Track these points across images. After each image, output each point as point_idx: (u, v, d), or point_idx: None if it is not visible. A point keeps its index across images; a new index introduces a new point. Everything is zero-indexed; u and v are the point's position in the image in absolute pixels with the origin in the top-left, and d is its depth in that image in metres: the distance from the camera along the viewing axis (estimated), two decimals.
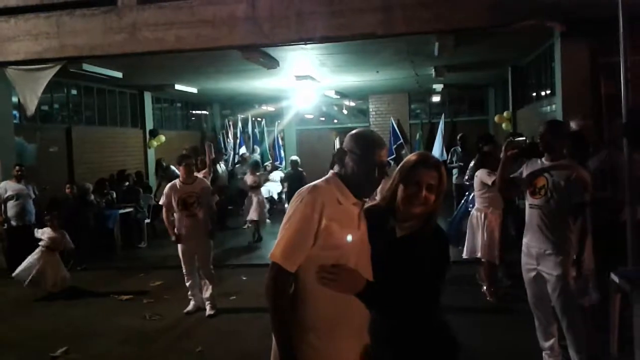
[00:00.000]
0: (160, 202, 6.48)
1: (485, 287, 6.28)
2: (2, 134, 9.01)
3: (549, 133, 4.03)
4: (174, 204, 6.16)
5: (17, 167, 8.61)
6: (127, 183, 11.26)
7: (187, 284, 6.33)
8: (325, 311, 2.13)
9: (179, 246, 6.22)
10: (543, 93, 10.57)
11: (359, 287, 2.07)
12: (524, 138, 4.96)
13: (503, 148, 4.30)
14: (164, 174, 12.14)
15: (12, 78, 8.56)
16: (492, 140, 6.74)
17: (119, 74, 10.70)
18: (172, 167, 11.65)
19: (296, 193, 2.21)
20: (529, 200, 4.08)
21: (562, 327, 3.95)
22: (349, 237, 2.14)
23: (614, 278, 4.00)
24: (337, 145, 16.79)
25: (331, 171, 2.32)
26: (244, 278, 7.79)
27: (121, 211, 10.16)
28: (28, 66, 8.59)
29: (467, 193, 7.05)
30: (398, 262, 2.22)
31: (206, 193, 6.31)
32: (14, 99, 9.81)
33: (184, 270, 6.31)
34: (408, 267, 2.21)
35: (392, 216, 2.33)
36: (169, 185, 6.35)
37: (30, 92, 8.48)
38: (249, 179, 10.28)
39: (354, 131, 2.33)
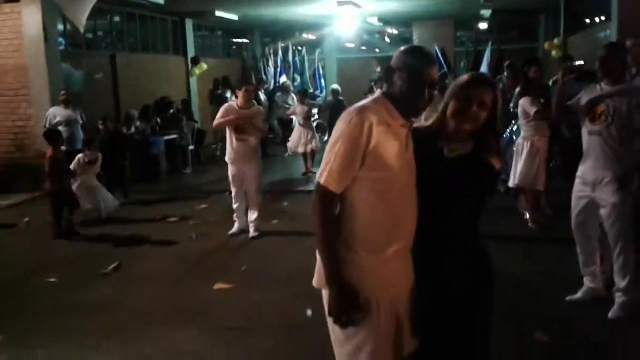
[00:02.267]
0: (214, 125, 6.53)
1: (527, 215, 6.25)
2: (50, 60, 9.15)
3: (609, 56, 3.86)
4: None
5: (62, 92, 8.71)
6: (171, 110, 11.42)
7: (234, 206, 6.51)
8: (371, 230, 2.13)
9: (229, 169, 6.37)
10: (597, 19, 10.05)
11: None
12: (582, 62, 4.77)
13: (560, 74, 4.15)
14: (220, 99, 12.07)
15: (58, 2, 8.61)
16: (537, 62, 6.50)
17: (161, 0, 10.64)
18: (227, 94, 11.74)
19: (343, 113, 2.16)
20: (588, 127, 3.95)
21: (613, 254, 3.91)
22: (397, 159, 2.13)
23: None
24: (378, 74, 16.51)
25: (379, 90, 2.27)
26: (285, 204, 7.94)
27: (165, 137, 10.38)
28: None
29: (512, 122, 6.90)
30: (444, 183, 2.21)
31: (260, 119, 6.39)
32: (60, 26, 9.92)
33: (232, 193, 6.47)
34: (453, 188, 2.20)
35: (440, 137, 2.30)
36: (225, 105, 6.42)
37: (78, 14, 8.53)
38: (298, 108, 10.19)
39: (402, 47, 2.24)
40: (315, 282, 2.24)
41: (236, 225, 6.54)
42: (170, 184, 9.92)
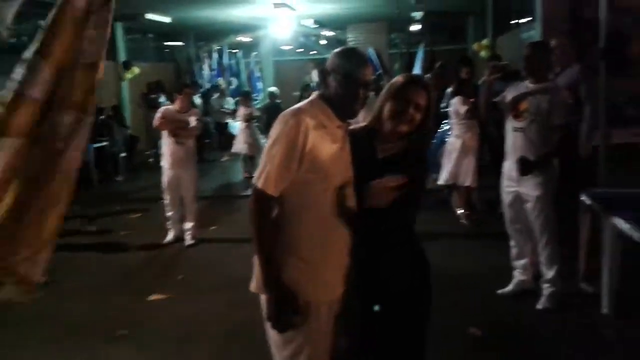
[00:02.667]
0: (154, 124, 6.27)
1: (460, 212, 6.41)
2: None
3: (534, 55, 4.01)
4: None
5: None
6: (101, 117, 11.05)
7: (168, 214, 6.35)
8: (310, 232, 2.14)
9: (166, 174, 6.20)
10: (522, 19, 10.45)
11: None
12: (507, 62, 4.93)
13: (486, 72, 4.28)
14: (152, 104, 11.79)
15: None
16: (469, 63, 6.70)
17: None
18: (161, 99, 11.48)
19: (280, 116, 2.16)
20: (512, 124, 4.09)
21: (539, 246, 4.06)
22: (334, 161, 2.14)
23: (585, 199, 4.12)
24: (314, 78, 16.54)
25: (315, 93, 2.27)
26: (223, 209, 7.84)
27: (95, 145, 10.02)
28: None
29: (444, 122, 7.06)
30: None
31: (197, 123, 6.26)
32: None
33: (166, 200, 6.30)
34: None
35: (375, 137, 2.32)
36: (163, 109, 6.22)
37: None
38: (241, 110, 10.04)
39: (337, 50, 2.25)
40: (253, 287, 2.23)
41: (171, 233, 6.37)
42: (101, 192, 9.60)
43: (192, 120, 6.14)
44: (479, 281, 4.70)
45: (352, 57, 2.19)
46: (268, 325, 2.18)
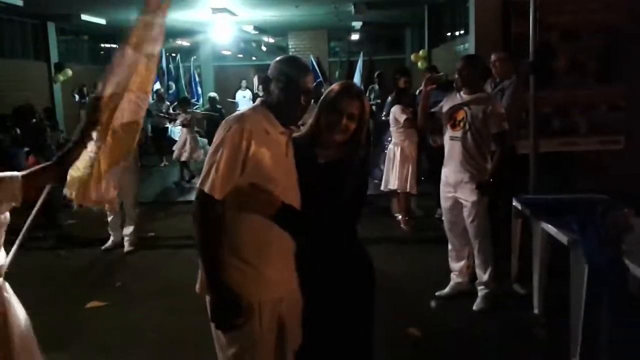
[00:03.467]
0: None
1: (399, 217, 6.58)
2: None
3: (466, 68, 4.19)
4: None
5: None
6: (33, 120, 10.59)
7: (109, 219, 6.19)
8: (251, 236, 2.16)
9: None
10: (457, 32, 10.85)
11: (275, 208, 2.13)
12: (442, 73, 5.14)
13: (423, 83, 4.45)
14: (86, 103, 11.45)
15: None
16: (407, 73, 6.91)
17: (19, 2, 9.90)
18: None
19: (223, 121, 2.19)
20: (449, 133, 4.26)
21: (474, 249, 4.24)
22: (277, 167, 2.18)
23: (516, 204, 4.33)
24: (256, 83, 16.48)
25: (258, 99, 2.31)
26: (162, 215, 7.71)
27: (27, 149, 9.60)
28: None
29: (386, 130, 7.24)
30: (318, 187, 2.28)
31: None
32: None
33: (105, 205, 6.11)
34: (326, 192, 2.28)
35: (314, 144, 2.38)
36: None
37: None
38: (180, 116, 9.82)
39: (278, 57, 2.31)
40: (198, 289, 2.25)
41: (111, 239, 6.22)
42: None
43: None
44: (418, 284, 4.85)
45: (293, 64, 2.25)
46: (213, 326, 2.21)
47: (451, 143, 4.26)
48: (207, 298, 2.20)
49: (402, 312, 4.24)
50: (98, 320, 4.40)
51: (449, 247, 4.49)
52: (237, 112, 2.25)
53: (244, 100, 14.81)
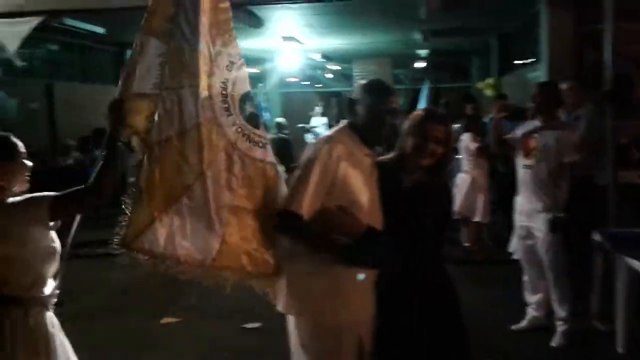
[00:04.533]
0: None
1: (469, 246, 6.46)
2: None
3: (542, 95, 4.13)
4: None
5: None
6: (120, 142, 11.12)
7: None
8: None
9: None
10: (528, 60, 10.67)
11: (360, 231, 2.15)
12: (514, 102, 5.09)
13: (495, 111, 4.41)
14: None
15: None
16: (474, 100, 6.86)
17: (101, 30, 10.49)
18: None
19: (312, 143, 2.27)
20: (522, 161, 4.19)
21: (549, 282, 4.11)
22: (363, 189, 2.21)
23: (597, 238, 4.18)
24: (319, 110, 16.63)
25: (343, 121, 2.36)
26: None
27: None
28: (8, 19, 8.37)
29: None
30: (403, 211, 2.30)
31: None
32: None
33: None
34: (411, 216, 2.29)
35: (400, 168, 2.40)
36: None
37: (11, 39, 8.28)
38: None
39: (362, 81, 2.38)
40: (283, 308, 2.28)
41: None
42: (113, 215, 9.57)
43: None
44: (492, 316, 4.71)
45: (377, 86, 2.33)
46: (295, 346, 2.24)
47: (524, 171, 4.18)
48: (291, 318, 2.26)
49: (475, 345, 4.09)
50: (172, 335, 4.52)
51: (525, 278, 4.36)
52: (325, 134, 2.31)
53: (322, 126, 14.83)
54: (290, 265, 2.28)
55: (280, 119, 11.65)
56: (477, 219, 6.19)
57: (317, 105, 15.69)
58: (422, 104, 14.09)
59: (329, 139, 2.24)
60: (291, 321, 2.28)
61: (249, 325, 4.48)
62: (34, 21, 8.37)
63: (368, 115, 2.26)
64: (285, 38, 11.81)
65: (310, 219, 2.15)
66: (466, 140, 6.21)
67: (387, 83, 2.43)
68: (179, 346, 4.32)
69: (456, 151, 6.57)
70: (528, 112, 4.67)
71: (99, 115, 10.72)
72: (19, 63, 8.74)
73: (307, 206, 2.13)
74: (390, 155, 2.51)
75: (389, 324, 2.31)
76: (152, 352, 4.22)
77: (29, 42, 8.61)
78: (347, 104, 2.35)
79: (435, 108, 2.64)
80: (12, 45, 8.44)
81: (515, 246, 4.40)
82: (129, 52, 10.66)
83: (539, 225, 4.06)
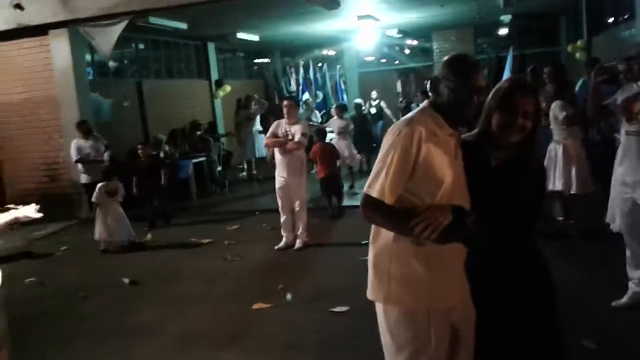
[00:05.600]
0: (267, 136, 6.73)
1: (564, 221, 6.15)
2: (79, 91, 9.34)
3: None
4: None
5: (79, 123, 8.73)
6: (198, 132, 11.58)
7: (281, 220, 6.70)
8: (423, 240, 2.11)
9: (276, 182, 6.59)
10: (621, 17, 9.94)
11: (449, 214, 2.07)
12: (615, 62, 4.68)
13: (592, 74, 4.12)
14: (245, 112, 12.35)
15: (85, 32, 8.87)
16: (560, 65, 6.52)
17: (184, 25, 10.87)
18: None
19: (392, 126, 2.21)
20: (625, 127, 3.91)
21: None
22: (447, 170, 2.14)
23: None
24: (399, 88, 16.36)
25: (426, 100, 2.28)
26: (316, 220, 7.93)
27: (194, 160, 10.50)
28: (98, 22, 8.86)
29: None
30: (493, 192, 2.20)
31: (305, 134, 6.56)
32: (88, 57, 10.16)
33: (279, 207, 6.64)
34: (502, 197, 2.19)
35: (486, 145, 2.29)
36: (275, 122, 6.70)
37: (105, 40, 8.79)
38: (336, 122, 9.99)
39: (447, 57, 2.25)
40: (370, 294, 2.26)
41: (283, 240, 6.69)
42: (200, 206, 10.01)
43: (298, 134, 6.38)
44: (589, 292, 4.48)
45: (463, 63, 2.18)
46: (383, 330, 2.22)
47: (628, 138, 3.89)
48: (378, 305, 2.23)
49: (574, 322, 3.91)
50: (264, 320, 4.65)
51: (627, 253, 4.09)
52: (406, 116, 2.24)
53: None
54: (375, 250, 2.25)
55: (358, 100, 11.60)
56: (573, 191, 5.85)
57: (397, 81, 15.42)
58: (506, 73, 13.55)
59: (409, 121, 2.16)
60: (379, 308, 2.26)
61: (337, 309, 4.52)
62: (121, 24, 8.84)
63: (453, 94, 2.15)
64: (361, 17, 11.69)
65: (394, 202, 2.10)
66: (555, 109, 5.86)
67: (473, 58, 2.27)
68: (270, 331, 4.44)
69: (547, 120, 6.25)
70: (621, 74, 4.33)
71: (186, 109, 11.34)
72: (112, 64, 9.28)
73: (389, 191, 2.09)
74: (474, 132, 2.38)
75: (481, 305, 2.24)
76: (244, 338, 4.35)
77: (117, 43, 9.08)
78: (431, 82, 2.26)
79: (522, 77, 2.46)
80: (107, 50, 8.95)
81: (614, 219, 4.13)
82: (210, 45, 11.22)
83: None
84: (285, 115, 6.55)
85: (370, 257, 2.27)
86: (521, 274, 2.26)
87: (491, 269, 2.25)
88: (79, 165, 8.69)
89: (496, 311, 2.25)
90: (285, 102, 6.70)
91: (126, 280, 5.90)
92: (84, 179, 8.69)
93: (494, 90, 2.30)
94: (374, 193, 2.11)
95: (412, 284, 2.16)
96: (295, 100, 7.17)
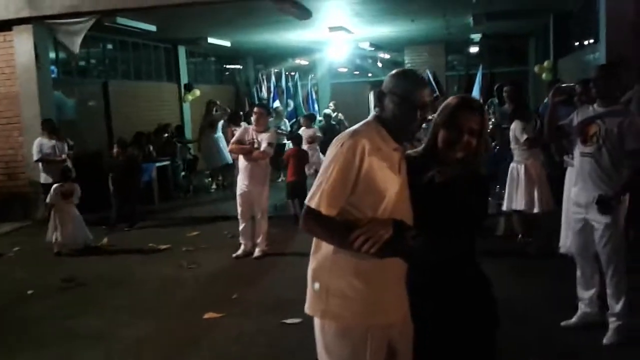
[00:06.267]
0: (232, 142, 6.64)
1: (521, 238, 6.22)
2: (42, 89, 9.12)
3: (603, 77, 3.86)
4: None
5: (44, 122, 8.58)
6: (165, 135, 11.41)
7: (240, 228, 6.58)
8: (363, 256, 2.06)
9: (238, 189, 6.50)
10: (586, 42, 10.18)
11: (389, 229, 2.04)
12: (573, 84, 4.75)
13: (550, 94, 4.17)
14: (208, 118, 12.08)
15: (50, 27, 8.70)
16: (517, 84, 6.67)
17: (153, 27, 10.73)
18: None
19: (336, 138, 2.17)
20: (580, 149, 3.95)
21: (606, 277, 3.88)
22: (390, 185, 2.11)
23: None
24: (372, 100, 16.39)
25: (372, 113, 2.25)
26: (279, 229, 7.86)
27: (158, 164, 10.33)
28: (63, 20, 8.68)
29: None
30: (436, 208, 2.18)
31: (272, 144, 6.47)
32: (52, 54, 9.95)
33: (239, 214, 6.53)
34: (446, 213, 2.17)
35: (432, 161, 2.27)
36: (243, 127, 6.66)
37: (70, 37, 8.64)
38: (304, 131, 9.96)
39: (393, 71, 2.23)
40: (308, 308, 2.21)
41: (241, 247, 6.58)
42: (162, 211, 9.83)
43: (264, 143, 6.31)
44: (541, 312, 4.51)
45: (408, 78, 2.17)
46: (320, 348, 2.18)
47: (582, 160, 3.93)
48: (316, 320, 2.19)
49: (523, 342, 3.95)
50: (214, 330, 4.56)
51: (578, 273, 4.13)
52: (350, 128, 2.20)
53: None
54: (315, 264, 2.21)
55: (328, 110, 11.62)
56: (536, 210, 5.91)
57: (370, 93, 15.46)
58: (476, 90, 13.75)
59: (353, 134, 2.13)
60: (317, 323, 2.21)
61: (290, 321, 4.45)
62: (89, 22, 8.68)
63: (397, 109, 2.12)
64: (333, 28, 11.74)
65: (335, 215, 2.07)
66: (516, 129, 5.93)
67: (418, 74, 2.27)
68: (221, 342, 4.35)
69: (507, 141, 6.31)
70: (577, 95, 4.40)
71: (154, 111, 11.26)
72: (75, 64, 9.11)
73: (330, 203, 2.05)
74: (421, 148, 2.37)
75: (421, 321, 2.22)
76: (192, 348, 4.26)
77: (84, 42, 8.92)
78: (376, 96, 2.24)
79: (469, 95, 2.46)
80: (74, 47, 8.79)
81: (566, 240, 4.18)
82: (180, 49, 11.16)
83: (598, 217, 3.82)
84: (254, 123, 6.47)
85: (309, 270, 2.22)
86: (461, 292, 2.23)
87: (432, 286, 2.23)
88: (40, 165, 8.46)
89: (435, 328, 2.22)
90: (255, 109, 6.63)
91: (70, 283, 5.76)
92: (42, 178, 8.47)
93: (441, 106, 2.29)
94: (315, 205, 2.07)
95: (350, 299, 2.11)
96: (266, 108, 7.13)
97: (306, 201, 2.12)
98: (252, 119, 6.52)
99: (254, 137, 6.36)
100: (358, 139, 2.08)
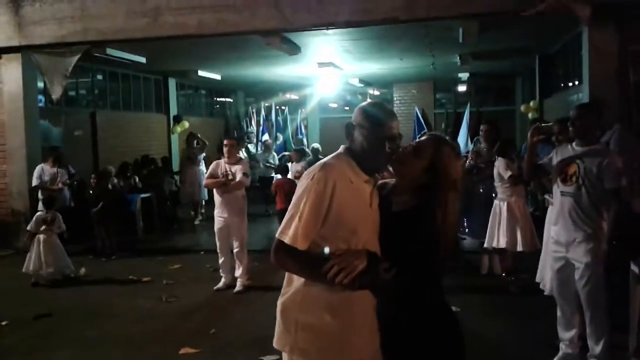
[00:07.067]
0: (206, 177, 6.66)
1: (505, 278, 6.17)
2: (28, 117, 9.06)
3: (581, 117, 3.89)
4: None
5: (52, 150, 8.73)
6: (152, 166, 11.35)
7: (220, 262, 6.51)
8: (333, 290, 2.05)
9: (216, 223, 6.43)
10: (570, 83, 10.34)
11: (363, 259, 2.02)
12: (551, 123, 4.80)
13: (529, 134, 4.20)
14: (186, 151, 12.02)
15: (37, 62, 8.69)
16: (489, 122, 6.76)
17: (143, 59, 10.78)
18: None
19: (306, 171, 2.16)
20: (560, 188, 3.96)
21: (586, 317, 3.84)
22: (361, 218, 2.10)
23: (635, 268, 3.89)
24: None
25: (342, 147, 2.24)
26: (265, 264, 7.75)
27: (142, 195, 10.23)
28: (52, 49, 8.70)
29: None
30: (390, 238, 2.17)
31: (247, 174, 6.46)
32: (40, 84, 9.95)
33: (217, 248, 6.47)
34: (398, 244, 2.14)
35: (391, 191, 2.28)
36: (215, 162, 6.60)
37: (56, 76, 8.61)
38: (293, 166, 9.92)
39: (362, 104, 2.24)
40: (276, 343, 2.18)
41: (222, 281, 6.49)
42: (145, 242, 9.70)
43: (239, 174, 6.28)
44: (521, 352, 4.44)
45: (377, 110, 2.17)
46: None
47: (562, 199, 3.94)
48: (284, 355, 2.16)
49: None
50: None
51: (558, 313, 4.09)
52: (320, 161, 2.20)
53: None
54: (285, 297, 2.17)
55: (315, 145, 11.65)
56: (519, 248, 5.88)
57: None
58: (463, 128, 13.88)
59: (323, 166, 2.12)
60: (285, 358, 2.17)
61: (266, 358, 4.35)
62: (76, 55, 8.69)
63: (366, 141, 2.12)
64: (322, 64, 11.86)
65: (306, 248, 2.04)
66: (500, 167, 5.95)
67: (388, 107, 2.27)
68: None
69: (491, 177, 6.31)
70: (554, 135, 4.44)
71: (140, 141, 11.27)
72: (57, 98, 9.12)
73: (301, 236, 2.03)
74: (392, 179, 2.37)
75: (390, 354, 2.20)
76: None
77: (73, 72, 8.92)
78: (346, 128, 2.23)
79: (440, 134, 2.47)
80: (57, 89, 8.76)
81: (545, 279, 4.15)
82: (171, 81, 11.24)
83: (579, 257, 3.81)
84: (226, 155, 6.46)
85: (279, 304, 2.19)
86: (424, 326, 2.18)
87: (397, 319, 2.18)
88: (39, 193, 8.37)
89: None
90: (225, 142, 6.60)
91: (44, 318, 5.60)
92: (40, 206, 8.36)
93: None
94: (286, 239, 2.05)
95: (319, 335, 2.08)
96: (237, 140, 7.14)
97: (277, 235, 2.09)
98: (224, 151, 6.49)
99: (227, 169, 6.35)
100: (328, 171, 2.07)
